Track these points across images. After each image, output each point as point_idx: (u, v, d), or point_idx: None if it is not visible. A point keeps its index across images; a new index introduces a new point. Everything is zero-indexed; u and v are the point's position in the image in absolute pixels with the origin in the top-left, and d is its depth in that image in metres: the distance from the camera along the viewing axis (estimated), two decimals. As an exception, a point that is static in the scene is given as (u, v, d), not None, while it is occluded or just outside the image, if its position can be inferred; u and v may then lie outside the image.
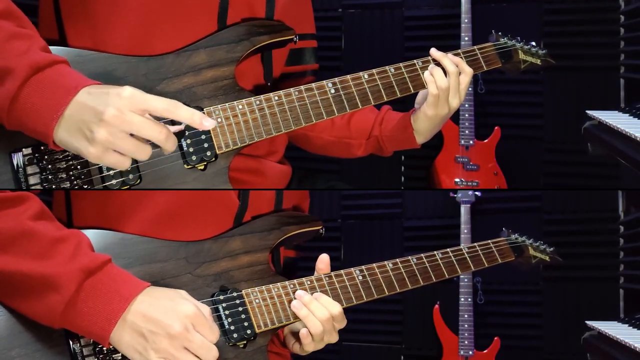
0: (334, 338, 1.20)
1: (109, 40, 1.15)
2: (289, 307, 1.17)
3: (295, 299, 1.17)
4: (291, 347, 1.24)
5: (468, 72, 1.35)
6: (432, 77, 1.31)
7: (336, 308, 1.18)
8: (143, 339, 1.01)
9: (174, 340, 1.01)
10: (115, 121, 0.98)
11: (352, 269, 1.24)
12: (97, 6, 1.15)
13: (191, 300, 1.07)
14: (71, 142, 1.00)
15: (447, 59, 1.33)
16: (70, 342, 1.04)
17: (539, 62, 1.48)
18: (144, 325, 1.01)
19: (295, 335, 1.22)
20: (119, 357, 1.05)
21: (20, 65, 0.99)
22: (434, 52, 1.34)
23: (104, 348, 1.04)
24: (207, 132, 1.14)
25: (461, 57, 1.36)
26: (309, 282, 1.20)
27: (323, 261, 1.23)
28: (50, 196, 1.20)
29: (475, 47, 1.40)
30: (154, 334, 1.01)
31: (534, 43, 1.49)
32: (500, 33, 1.46)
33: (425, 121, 1.38)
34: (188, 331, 1.02)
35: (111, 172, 1.09)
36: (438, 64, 1.33)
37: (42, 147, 1.07)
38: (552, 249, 1.53)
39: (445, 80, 1.32)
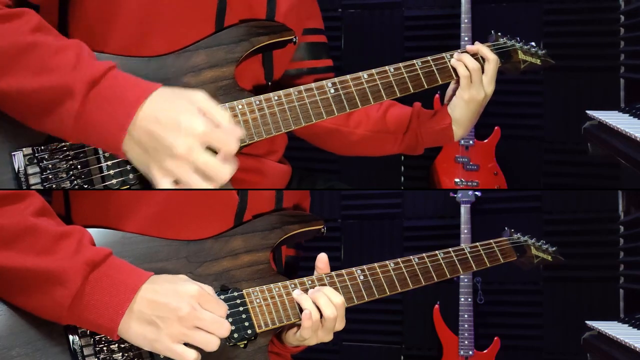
0: (327, 337, 1.20)
1: (107, 42, 1.14)
2: (290, 307, 1.17)
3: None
4: (284, 335, 1.23)
5: (492, 58, 1.39)
6: (460, 61, 1.35)
7: (338, 298, 1.18)
8: (154, 326, 1.01)
9: (185, 322, 1.01)
10: (182, 158, 1.00)
11: (354, 269, 1.24)
12: (95, 8, 1.15)
13: (192, 281, 1.07)
14: (136, 160, 1.03)
15: (486, 48, 1.38)
16: (71, 341, 1.04)
17: (538, 62, 1.49)
18: (152, 313, 1.01)
19: (291, 325, 1.21)
20: (119, 356, 1.05)
21: (77, 82, 0.99)
22: (470, 47, 1.38)
23: (104, 347, 1.04)
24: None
25: None
26: (310, 282, 1.20)
27: (322, 260, 1.23)
28: (49, 196, 1.20)
29: None
30: (163, 319, 1.01)
31: (533, 43, 1.49)
32: (499, 33, 1.46)
33: (462, 107, 1.41)
34: (196, 310, 1.02)
35: (111, 172, 1.09)
36: (450, 59, 1.36)
37: (42, 147, 1.07)
38: (554, 248, 1.52)
39: (474, 62, 1.36)
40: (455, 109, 1.42)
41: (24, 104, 1.01)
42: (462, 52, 1.37)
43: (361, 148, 1.53)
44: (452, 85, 1.43)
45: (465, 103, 1.39)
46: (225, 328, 1.04)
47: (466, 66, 1.35)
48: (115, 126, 1.00)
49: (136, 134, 1.00)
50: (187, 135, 1.00)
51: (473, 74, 1.36)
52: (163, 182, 1.02)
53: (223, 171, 1.02)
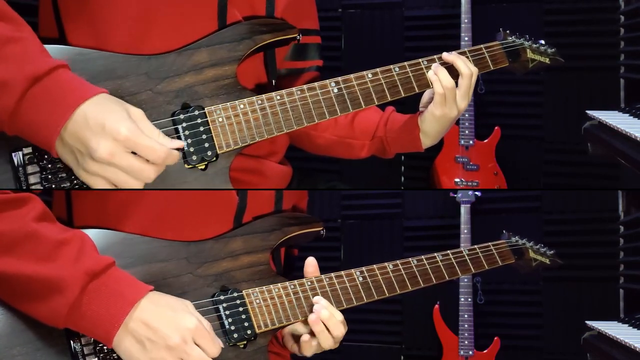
0: (334, 346, 1.21)
1: (108, 39, 1.14)
2: (289, 307, 1.17)
3: (312, 307, 1.18)
4: (290, 348, 1.24)
5: (474, 71, 1.33)
6: (437, 77, 1.30)
7: (340, 316, 1.19)
8: (141, 346, 1.01)
9: (172, 351, 1.02)
10: (104, 161, 1.00)
11: (353, 270, 1.24)
12: (95, 4, 1.15)
13: (194, 314, 1.07)
14: (66, 161, 1.03)
15: (461, 61, 1.31)
16: (71, 341, 1.04)
17: (547, 60, 1.46)
18: (144, 333, 1.01)
19: (295, 337, 1.22)
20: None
21: (17, 77, 0.99)
22: (446, 55, 1.32)
23: (105, 347, 1.05)
24: (208, 132, 1.13)
25: (467, 56, 1.34)
26: (309, 283, 1.20)
27: (311, 264, 1.23)
28: (50, 195, 1.20)
29: (482, 45, 1.38)
30: (152, 342, 1.01)
31: (542, 41, 1.46)
32: (508, 31, 1.43)
33: (433, 122, 1.36)
34: (186, 343, 1.03)
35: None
36: (443, 63, 1.32)
37: (42, 147, 1.07)
38: (552, 252, 1.52)
39: (451, 80, 1.30)
40: (424, 122, 1.37)
41: None
42: (440, 62, 1.31)
43: (329, 151, 1.52)
44: (429, 90, 1.36)
45: (436, 119, 1.34)
46: None
47: (441, 84, 1.29)
48: (49, 128, 1.00)
49: (66, 136, 1.01)
50: (110, 138, 1.00)
51: (447, 93, 1.30)
52: (93, 183, 1.03)
53: (146, 173, 1.03)
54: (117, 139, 1.00)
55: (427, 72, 1.30)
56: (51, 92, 1.00)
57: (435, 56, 1.32)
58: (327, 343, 1.18)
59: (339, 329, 1.18)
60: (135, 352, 1.01)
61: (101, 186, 1.03)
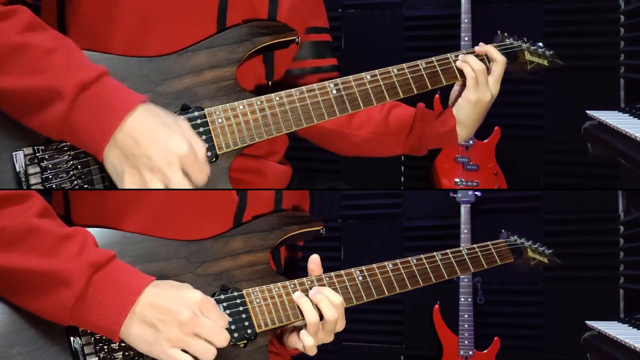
0: (328, 338, 1.20)
1: (108, 42, 1.14)
2: (290, 306, 1.17)
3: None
4: (285, 339, 1.23)
5: (504, 60, 1.37)
6: (466, 62, 1.33)
7: (337, 298, 1.18)
8: (154, 329, 1.01)
9: (184, 327, 1.02)
10: (160, 169, 1.03)
11: (352, 269, 1.24)
12: (95, 8, 1.15)
13: (196, 290, 1.07)
14: (112, 166, 1.05)
15: (494, 49, 1.36)
16: (72, 340, 1.04)
17: (546, 63, 1.47)
18: (153, 315, 1.01)
19: (291, 329, 1.22)
20: (120, 356, 1.05)
21: (67, 84, 1.00)
22: (478, 48, 1.37)
23: (105, 346, 1.05)
24: (208, 132, 1.14)
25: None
26: (309, 282, 1.20)
27: (314, 262, 1.23)
28: (49, 195, 1.20)
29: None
30: (163, 322, 1.01)
31: (541, 44, 1.47)
32: (506, 34, 1.44)
33: (468, 108, 1.38)
34: (197, 316, 1.03)
35: (112, 172, 1.09)
36: (455, 60, 1.34)
37: (42, 147, 1.07)
38: (550, 251, 1.53)
39: (480, 63, 1.34)
40: (460, 110, 1.39)
41: (13, 102, 1.02)
42: (467, 53, 1.35)
43: (363, 150, 1.52)
44: (456, 87, 1.40)
45: (471, 105, 1.37)
46: (224, 337, 1.05)
47: (472, 68, 1.33)
48: (100, 134, 1.01)
49: (121, 138, 1.02)
50: (170, 151, 1.03)
51: (479, 75, 1.33)
52: (130, 185, 1.04)
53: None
54: (177, 154, 1.03)
55: (425, 73, 1.31)
56: (101, 98, 1.02)
57: (433, 58, 1.33)
58: (313, 316, 1.16)
59: (325, 302, 1.16)
60: (147, 336, 1.01)
61: (132, 187, 1.05)
